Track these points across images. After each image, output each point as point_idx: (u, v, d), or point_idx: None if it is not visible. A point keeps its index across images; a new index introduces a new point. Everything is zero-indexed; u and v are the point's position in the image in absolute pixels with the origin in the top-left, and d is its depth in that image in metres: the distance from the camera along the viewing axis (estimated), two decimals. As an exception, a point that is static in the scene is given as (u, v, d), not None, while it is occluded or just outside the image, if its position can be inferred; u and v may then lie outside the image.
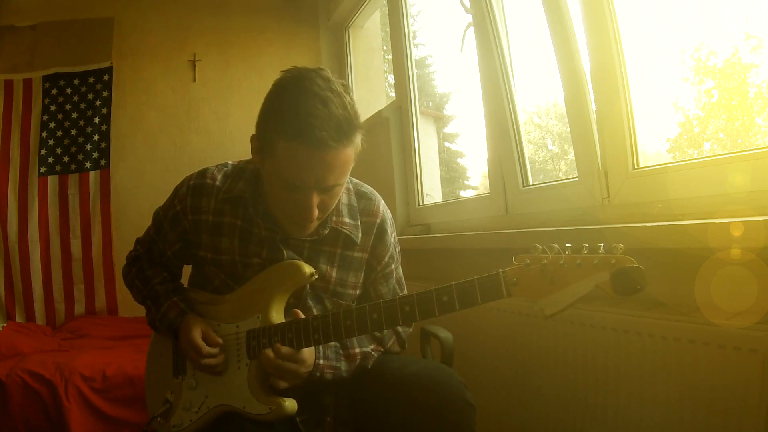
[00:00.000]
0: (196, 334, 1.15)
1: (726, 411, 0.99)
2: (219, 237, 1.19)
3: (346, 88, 1.06)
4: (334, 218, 1.19)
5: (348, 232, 1.20)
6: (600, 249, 0.85)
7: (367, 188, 1.28)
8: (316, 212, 1.07)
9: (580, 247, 0.87)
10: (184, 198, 1.21)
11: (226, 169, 1.23)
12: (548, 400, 1.42)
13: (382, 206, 1.27)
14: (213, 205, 1.19)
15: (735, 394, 0.98)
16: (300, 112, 0.98)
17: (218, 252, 1.20)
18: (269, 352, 1.09)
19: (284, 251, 1.16)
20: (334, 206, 1.14)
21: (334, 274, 1.21)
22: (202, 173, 1.23)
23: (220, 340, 1.17)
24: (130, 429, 2.12)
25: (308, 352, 1.11)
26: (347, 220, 1.21)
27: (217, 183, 1.20)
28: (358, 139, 1.06)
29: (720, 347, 1.00)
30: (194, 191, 1.21)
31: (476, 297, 0.94)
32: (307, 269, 1.13)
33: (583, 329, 1.29)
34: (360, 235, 1.22)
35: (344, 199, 1.22)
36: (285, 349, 1.08)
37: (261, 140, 1.07)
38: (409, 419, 1.09)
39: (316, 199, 1.05)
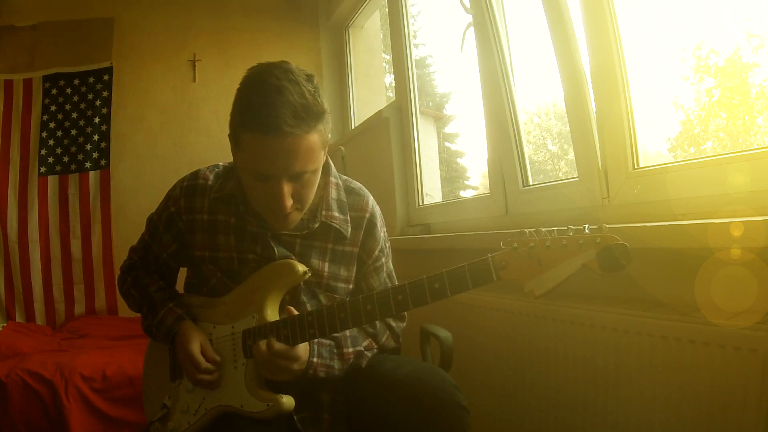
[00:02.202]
0: (195, 348, 1.15)
1: (726, 411, 0.99)
2: (215, 235, 1.20)
3: (310, 78, 1.06)
4: (324, 212, 1.19)
5: (338, 226, 1.20)
6: (585, 229, 0.87)
7: (356, 184, 1.29)
8: (289, 201, 1.06)
9: (565, 229, 0.89)
10: (177, 200, 1.23)
11: (217, 169, 1.25)
12: (549, 400, 1.42)
13: (371, 201, 1.29)
14: (207, 205, 1.21)
15: (735, 394, 0.98)
16: (254, 102, 1.01)
17: (216, 249, 1.20)
18: (262, 345, 1.09)
19: (275, 248, 1.17)
20: (311, 196, 1.13)
21: (326, 269, 1.21)
22: (194, 175, 1.25)
23: (218, 358, 1.16)
24: (130, 429, 2.12)
25: (303, 350, 1.11)
26: (337, 214, 1.21)
27: (210, 182, 1.22)
28: (323, 126, 1.06)
29: (720, 347, 1.00)
30: (187, 192, 1.23)
31: (467, 282, 0.96)
32: (300, 268, 1.13)
33: (583, 329, 1.29)
34: (349, 229, 1.23)
35: (333, 194, 1.22)
36: (278, 346, 1.08)
37: (231, 137, 1.10)
38: (401, 421, 1.08)
39: (287, 188, 1.05)
